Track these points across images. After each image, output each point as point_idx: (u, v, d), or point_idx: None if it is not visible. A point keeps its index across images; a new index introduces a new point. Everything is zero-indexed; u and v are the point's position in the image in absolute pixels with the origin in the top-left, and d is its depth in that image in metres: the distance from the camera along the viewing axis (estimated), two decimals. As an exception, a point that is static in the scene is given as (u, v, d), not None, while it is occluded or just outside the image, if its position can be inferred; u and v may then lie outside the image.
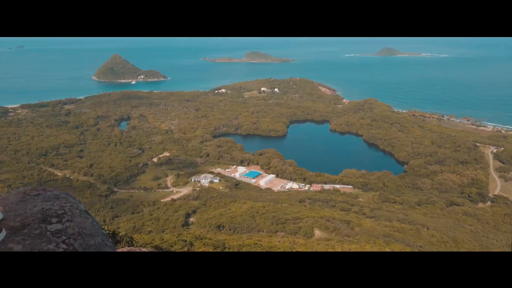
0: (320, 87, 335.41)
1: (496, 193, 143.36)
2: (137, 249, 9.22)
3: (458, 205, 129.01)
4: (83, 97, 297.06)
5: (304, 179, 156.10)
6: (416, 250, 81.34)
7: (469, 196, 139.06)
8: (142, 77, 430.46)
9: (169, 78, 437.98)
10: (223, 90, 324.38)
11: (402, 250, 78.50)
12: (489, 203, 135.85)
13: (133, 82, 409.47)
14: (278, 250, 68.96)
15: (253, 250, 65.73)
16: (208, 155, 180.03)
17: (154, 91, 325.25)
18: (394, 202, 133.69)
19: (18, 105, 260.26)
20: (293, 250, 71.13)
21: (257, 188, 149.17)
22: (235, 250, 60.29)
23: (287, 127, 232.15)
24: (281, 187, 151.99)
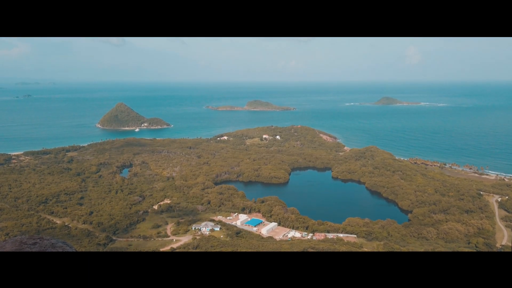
0: (321, 135, 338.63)
1: (503, 243, 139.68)
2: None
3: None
4: (86, 144, 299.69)
5: (307, 228, 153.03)
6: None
7: (476, 246, 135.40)
8: (145, 124, 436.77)
9: (172, 125, 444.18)
10: (225, 137, 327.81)
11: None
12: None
13: (137, 130, 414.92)
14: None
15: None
16: (209, 203, 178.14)
17: (157, 138, 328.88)
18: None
19: (22, 152, 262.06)
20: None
21: (259, 237, 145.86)
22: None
23: (289, 174, 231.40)
24: (283, 235, 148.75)
